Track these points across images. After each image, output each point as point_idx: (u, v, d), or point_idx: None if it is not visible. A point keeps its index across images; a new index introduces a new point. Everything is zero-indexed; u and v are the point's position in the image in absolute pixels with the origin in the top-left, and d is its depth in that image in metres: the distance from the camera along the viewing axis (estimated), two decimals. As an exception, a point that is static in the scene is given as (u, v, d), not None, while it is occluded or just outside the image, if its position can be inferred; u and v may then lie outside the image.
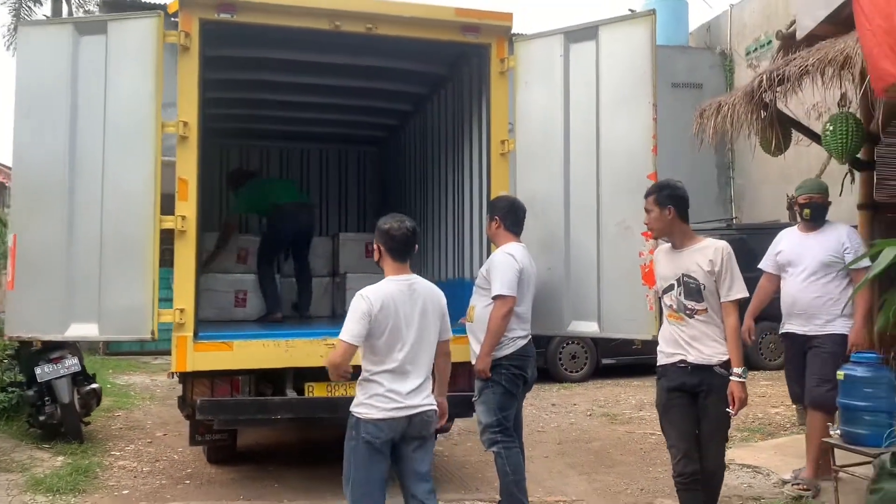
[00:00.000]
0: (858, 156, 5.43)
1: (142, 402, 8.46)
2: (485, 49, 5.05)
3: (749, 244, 10.99)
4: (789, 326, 4.94)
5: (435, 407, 3.40)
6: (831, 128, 5.05)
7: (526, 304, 4.22)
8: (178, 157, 4.48)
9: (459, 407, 4.44)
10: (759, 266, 5.13)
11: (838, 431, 4.41)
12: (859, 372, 4.31)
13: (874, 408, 4.22)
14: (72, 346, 6.28)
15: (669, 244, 3.90)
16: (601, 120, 4.49)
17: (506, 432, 4.12)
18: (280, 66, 5.99)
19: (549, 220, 4.63)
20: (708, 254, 3.71)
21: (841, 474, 4.41)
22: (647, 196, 3.87)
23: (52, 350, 6.14)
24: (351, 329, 3.22)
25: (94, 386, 6.41)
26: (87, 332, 4.41)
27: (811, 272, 4.77)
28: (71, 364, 6.12)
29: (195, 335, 4.45)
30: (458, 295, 4.83)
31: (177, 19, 4.53)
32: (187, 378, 4.61)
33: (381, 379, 3.26)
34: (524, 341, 4.20)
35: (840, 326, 4.71)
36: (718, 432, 3.77)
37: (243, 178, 7.44)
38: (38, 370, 6.03)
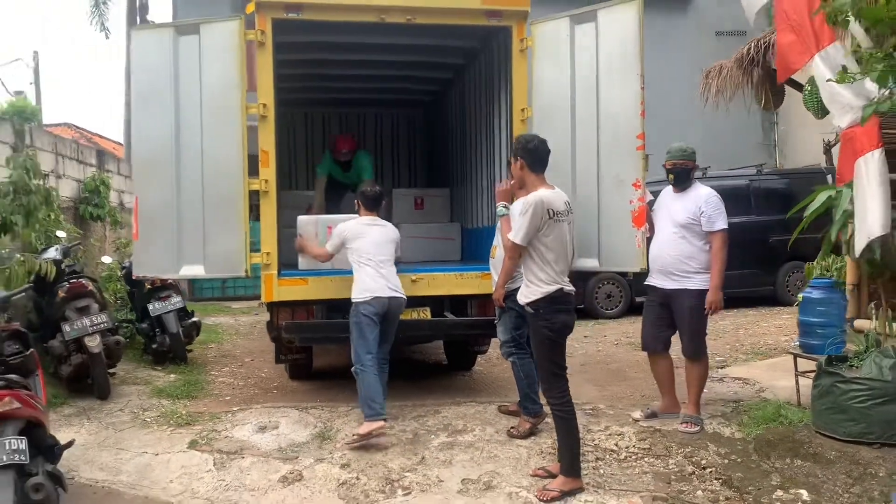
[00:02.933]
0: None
1: (229, 337, 9.86)
2: (507, 30, 5.99)
3: (778, 190, 11.76)
4: (651, 279, 5.30)
5: None
6: (809, 88, 5.82)
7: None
8: (260, 133, 5.59)
9: (489, 329, 5.55)
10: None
11: (797, 343, 5.36)
12: (815, 294, 5.23)
13: (826, 323, 5.14)
14: (175, 288, 7.63)
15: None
16: (600, 89, 5.40)
17: (519, 346, 5.20)
18: (336, 47, 7.05)
19: (559, 175, 5.58)
20: None
21: (801, 379, 5.37)
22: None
23: (160, 290, 7.50)
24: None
25: (194, 319, 7.76)
26: (196, 272, 5.62)
27: (670, 231, 5.15)
28: (176, 301, 7.48)
29: (279, 273, 5.64)
30: (490, 239, 5.88)
31: (253, 19, 5.61)
32: (273, 307, 5.84)
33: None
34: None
35: (698, 282, 5.06)
36: None
37: (347, 147, 8.57)
38: (150, 306, 7.41)
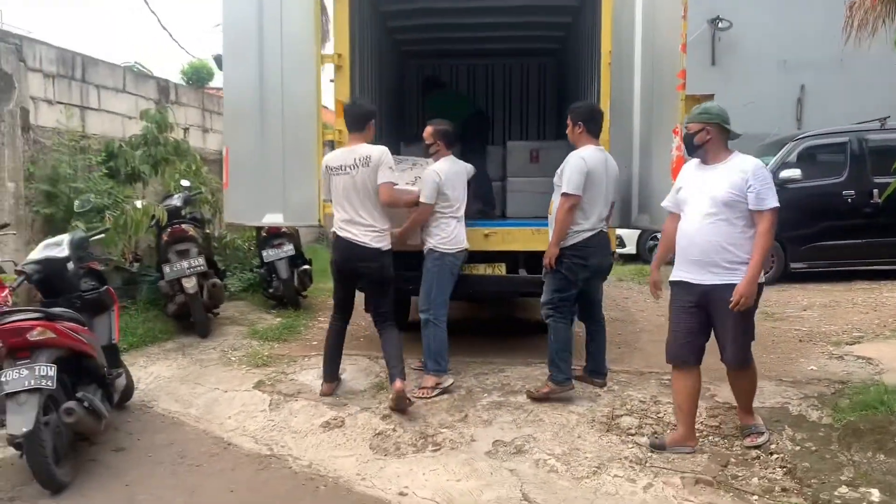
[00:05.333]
0: None
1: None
2: None
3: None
4: (681, 273, 4.12)
5: None
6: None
7: (594, 201, 4.82)
8: (335, 83, 5.62)
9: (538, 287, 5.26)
10: (662, 204, 4.40)
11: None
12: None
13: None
14: (289, 236, 7.97)
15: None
16: (655, 35, 5.04)
17: (558, 310, 4.87)
18: None
19: (623, 126, 5.21)
20: None
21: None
22: None
23: (274, 238, 7.87)
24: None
25: (305, 267, 8.09)
26: (276, 219, 5.78)
27: (705, 211, 3.99)
28: (288, 249, 7.82)
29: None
30: None
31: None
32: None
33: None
34: (588, 234, 4.82)
35: (742, 276, 3.92)
36: None
37: (432, 87, 8.52)
38: (264, 253, 7.82)
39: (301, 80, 5.56)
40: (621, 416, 4.66)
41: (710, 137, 4.04)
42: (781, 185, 10.04)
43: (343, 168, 4.89)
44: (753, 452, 4.10)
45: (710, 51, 14.95)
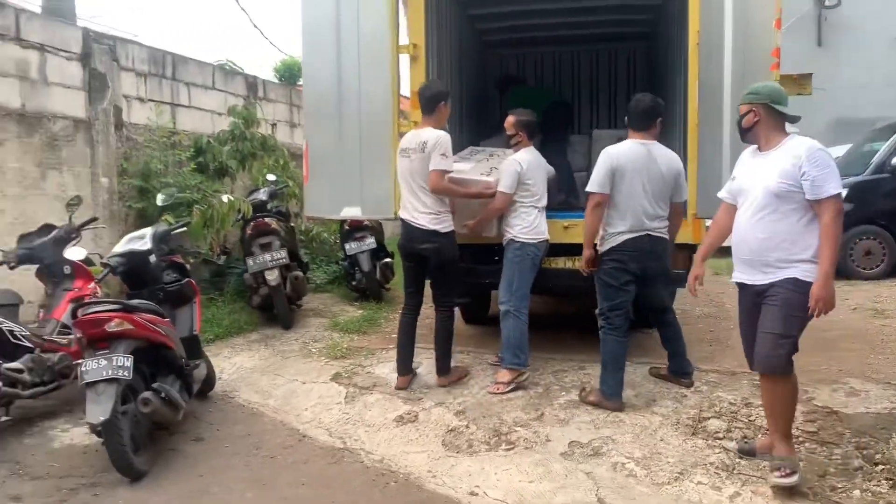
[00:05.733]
0: None
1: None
2: None
3: None
4: (737, 274, 3.73)
5: None
6: None
7: (630, 200, 4.48)
8: (411, 74, 5.55)
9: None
10: (718, 195, 3.99)
11: None
12: None
13: None
14: (371, 229, 8.00)
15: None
16: (747, 12, 4.78)
17: (608, 320, 4.57)
18: None
19: (713, 109, 4.90)
20: None
21: None
22: None
23: (357, 230, 7.92)
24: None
25: (387, 260, 8.09)
26: (354, 212, 5.78)
27: (758, 204, 3.55)
28: (369, 242, 7.84)
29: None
30: None
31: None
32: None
33: None
34: (626, 236, 4.49)
35: (801, 272, 3.43)
36: None
37: (508, 84, 8.35)
38: (346, 246, 7.88)
39: (377, 72, 5.51)
40: (708, 418, 4.38)
41: (758, 119, 3.60)
42: (893, 173, 9.35)
43: (406, 151, 4.92)
44: (857, 462, 3.76)
45: (816, 31, 14.09)
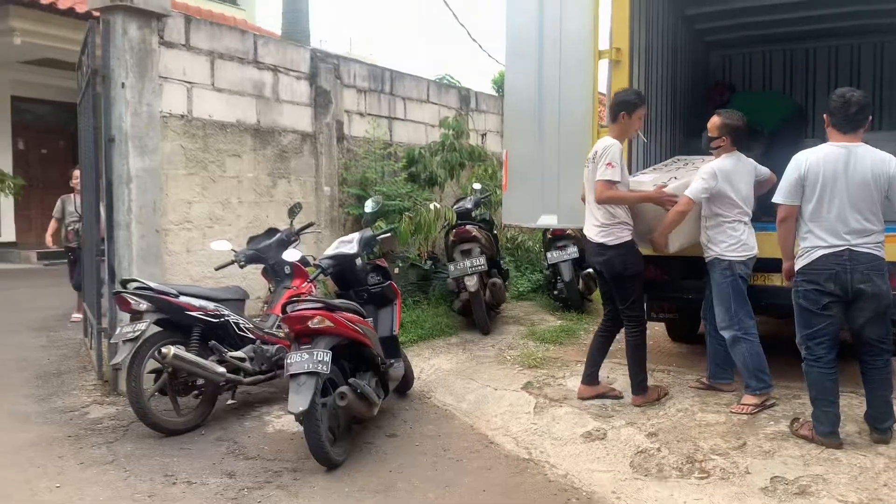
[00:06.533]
0: None
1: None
2: None
3: None
4: None
5: None
6: None
7: (823, 211, 3.94)
8: (613, 78, 5.40)
9: None
10: None
11: None
12: None
13: None
14: (573, 238, 7.89)
15: None
16: None
17: (809, 350, 4.05)
18: None
19: None
20: None
21: None
22: None
23: (559, 239, 7.86)
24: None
25: (590, 270, 7.91)
26: (550, 221, 5.74)
27: None
28: (571, 251, 7.75)
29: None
30: None
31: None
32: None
33: None
34: (821, 252, 3.94)
35: None
36: None
37: (722, 94, 7.76)
38: (548, 254, 7.85)
39: (577, 79, 5.44)
40: (948, 466, 3.78)
41: None
42: None
43: (587, 161, 4.81)
44: None
45: None
